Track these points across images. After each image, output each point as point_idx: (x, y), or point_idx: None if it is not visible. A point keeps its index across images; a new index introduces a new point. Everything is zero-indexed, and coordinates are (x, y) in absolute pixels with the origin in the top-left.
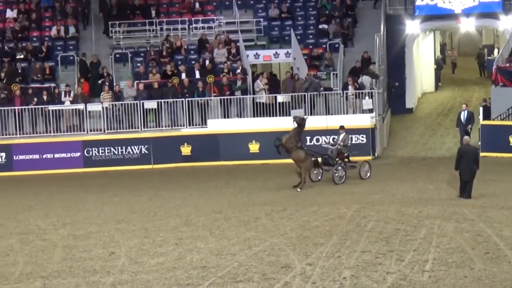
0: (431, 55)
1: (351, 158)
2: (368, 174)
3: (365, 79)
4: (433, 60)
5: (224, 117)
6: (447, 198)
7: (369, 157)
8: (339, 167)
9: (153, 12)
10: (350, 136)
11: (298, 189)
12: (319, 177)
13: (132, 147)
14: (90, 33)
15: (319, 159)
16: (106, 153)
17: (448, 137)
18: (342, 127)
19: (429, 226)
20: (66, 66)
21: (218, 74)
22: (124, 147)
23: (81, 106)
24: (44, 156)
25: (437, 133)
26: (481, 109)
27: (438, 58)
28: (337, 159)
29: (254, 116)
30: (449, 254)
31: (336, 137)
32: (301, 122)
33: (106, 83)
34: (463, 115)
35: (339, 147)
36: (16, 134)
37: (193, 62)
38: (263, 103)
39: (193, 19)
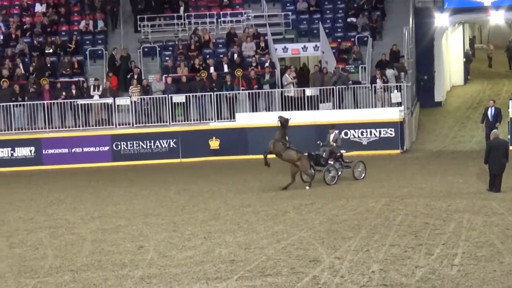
0: (460, 48)
1: (359, 155)
2: (363, 175)
3: (389, 73)
4: (462, 53)
5: (253, 111)
6: (476, 191)
7: (398, 151)
8: (331, 168)
9: (182, 6)
10: (341, 135)
11: (307, 187)
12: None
13: (161, 141)
14: (118, 27)
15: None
16: (135, 147)
17: (477, 130)
18: (332, 127)
19: (458, 220)
20: (95, 60)
21: (247, 68)
22: (152, 141)
23: (109, 100)
24: (73, 150)
25: (466, 126)
26: (510, 102)
27: (467, 51)
28: (329, 159)
29: (282, 110)
30: (478, 248)
31: (320, 142)
32: (285, 122)
33: (134, 77)
34: (490, 112)
35: (331, 147)
36: (45, 128)
37: (221, 55)
38: (291, 96)
39: (221, 12)
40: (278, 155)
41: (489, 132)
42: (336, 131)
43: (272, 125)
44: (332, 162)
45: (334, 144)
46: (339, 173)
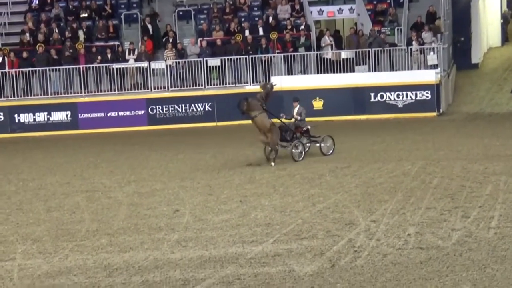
0: (497, 9)
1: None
2: (331, 151)
3: (426, 35)
4: (500, 14)
5: (288, 74)
6: None
7: (434, 113)
8: (298, 143)
9: None
10: (304, 109)
11: (272, 163)
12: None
13: (196, 104)
14: None
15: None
16: (170, 111)
17: None
18: (295, 99)
19: (495, 182)
20: (130, 24)
21: (282, 31)
22: (187, 105)
23: (145, 64)
24: (108, 114)
25: (504, 88)
26: None
27: (505, 12)
28: (295, 134)
29: (317, 73)
30: None
31: (283, 114)
32: (271, 88)
33: (169, 41)
34: None
35: (296, 121)
36: (81, 93)
37: (256, 18)
38: (328, 59)
39: None
40: (250, 116)
41: None
42: (299, 105)
43: (308, 88)
44: (298, 137)
45: (298, 118)
46: (306, 148)
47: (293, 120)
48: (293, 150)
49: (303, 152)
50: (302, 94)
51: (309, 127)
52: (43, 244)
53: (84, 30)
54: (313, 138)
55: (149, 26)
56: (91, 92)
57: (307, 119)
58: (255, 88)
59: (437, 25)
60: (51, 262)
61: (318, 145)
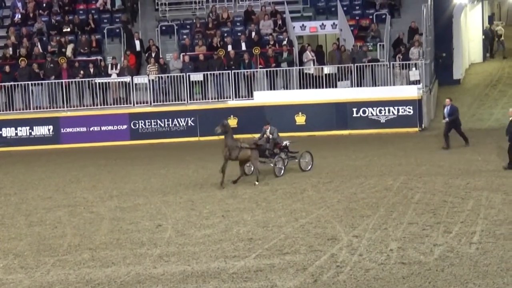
0: (479, 26)
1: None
2: (310, 166)
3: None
4: (481, 30)
5: (270, 89)
6: (494, 169)
7: (416, 129)
8: (278, 159)
9: None
10: (276, 129)
11: (256, 183)
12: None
13: (179, 119)
14: (136, 5)
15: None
16: (153, 126)
17: (496, 108)
18: (266, 122)
19: (476, 197)
20: (113, 39)
21: (264, 46)
22: (170, 120)
23: (127, 79)
24: (91, 129)
25: (485, 104)
26: None
27: (487, 28)
28: (274, 150)
29: (300, 88)
30: (497, 226)
31: (256, 138)
32: (226, 129)
33: (152, 56)
34: None
35: (271, 140)
36: (63, 107)
37: (239, 34)
38: (309, 74)
39: None
40: (235, 159)
41: None
42: (271, 127)
43: (290, 103)
44: (278, 153)
45: (271, 136)
46: (285, 163)
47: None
48: (275, 166)
49: (283, 168)
50: (284, 109)
51: (288, 143)
52: (24, 259)
53: (66, 44)
54: (291, 154)
55: (137, 42)
56: (74, 106)
57: (286, 134)
58: (237, 103)
59: (415, 41)
60: (33, 277)
61: (296, 160)
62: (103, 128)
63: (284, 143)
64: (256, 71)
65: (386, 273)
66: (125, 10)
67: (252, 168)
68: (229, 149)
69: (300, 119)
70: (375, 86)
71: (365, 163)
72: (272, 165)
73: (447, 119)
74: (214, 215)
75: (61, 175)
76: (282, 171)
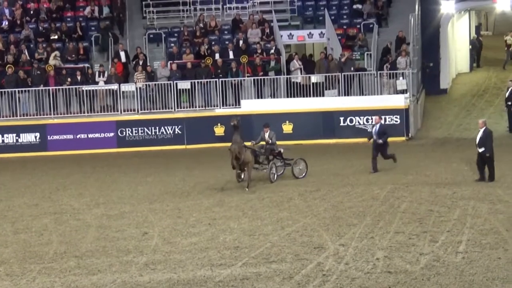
0: (466, 36)
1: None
2: (304, 174)
3: (401, 61)
4: (468, 40)
5: (258, 98)
6: (481, 179)
7: (403, 138)
8: (273, 165)
9: None
10: (274, 133)
11: (247, 189)
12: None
13: (166, 127)
14: (124, 13)
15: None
16: (140, 134)
17: (483, 118)
18: (266, 125)
19: (463, 207)
20: (100, 46)
21: (252, 54)
22: (157, 128)
23: (114, 87)
24: (78, 136)
25: (472, 114)
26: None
27: (473, 38)
28: (269, 157)
29: (287, 97)
30: (483, 235)
31: (252, 141)
32: (238, 125)
33: (139, 63)
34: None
35: (267, 145)
36: (51, 114)
37: (226, 42)
38: (297, 83)
39: None
40: (237, 160)
41: None
42: (270, 130)
43: (277, 112)
44: (272, 160)
45: (270, 141)
46: (282, 171)
47: (263, 143)
48: (270, 173)
49: (276, 174)
50: (271, 117)
51: (282, 150)
52: (10, 266)
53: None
54: (286, 161)
55: (122, 54)
56: (61, 114)
57: (278, 142)
58: (224, 111)
59: (402, 50)
60: (18, 285)
61: (290, 167)
62: (90, 135)
63: (278, 150)
64: (244, 80)
65: (372, 282)
66: (104, 19)
67: (244, 174)
68: (238, 146)
69: (287, 127)
70: (362, 95)
71: (352, 172)
72: (265, 171)
73: (374, 138)
74: (200, 223)
75: (48, 183)
76: (275, 177)
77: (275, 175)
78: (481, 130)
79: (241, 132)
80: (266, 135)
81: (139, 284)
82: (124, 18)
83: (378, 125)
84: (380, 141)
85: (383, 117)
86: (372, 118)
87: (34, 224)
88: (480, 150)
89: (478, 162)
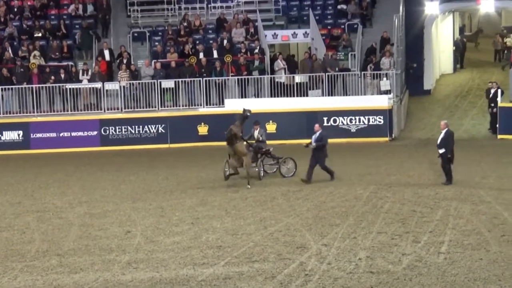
0: (450, 37)
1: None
2: (292, 173)
3: (385, 62)
4: (452, 41)
5: (241, 97)
6: (463, 180)
7: (386, 139)
8: (261, 163)
9: None
10: (264, 131)
11: (248, 186)
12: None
13: (149, 126)
14: (108, 11)
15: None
16: (123, 132)
17: (465, 119)
18: (256, 123)
19: (445, 208)
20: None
21: (236, 54)
22: (141, 126)
23: (98, 85)
24: (61, 135)
25: (455, 115)
26: (499, 91)
27: (457, 39)
28: (258, 155)
29: (271, 96)
30: (465, 236)
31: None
32: (249, 113)
33: (123, 62)
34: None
35: (256, 143)
36: (34, 112)
37: (211, 41)
38: (281, 83)
39: None
40: (232, 143)
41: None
42: (260, 128)
43: (261, 111)
44: (260, 158)
45: (260, 138)
46: (275, 169)
47: (253, 142)
48: (260, 170)
49: (262, 172)
50: (255, 117)
51: (271, 149)
52: None
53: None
54: (275, 159)
55: (106, 52)
56: (44, 112)
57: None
58: (208, 110)
59: (386, 51)
60: (0, 283)
61: (277, 166)
62: (74, 134)
63: (266, 148)
64: (228, 79)
65: (354, 282)
66: (88, 17)
67: (230, 170)
68: (236, 129)
69: (271, 127)
70: (346, 95)
71: (335, 172)
72: (256, 169)
73: (314, 144)
74: (183, 222)
75: (31, 181)
76: (262, 174)
77: (262, 172)
78: (443, 132)
79: (241, 126)
80: (256, 132)
81: (121, 282)
82: (108, 16)
83: (318, 133)
84: (314, 145)
85: (365, 117)
86: (355, 119)
87: (17, 222)
88: (441, 151)
89: (441, 165)
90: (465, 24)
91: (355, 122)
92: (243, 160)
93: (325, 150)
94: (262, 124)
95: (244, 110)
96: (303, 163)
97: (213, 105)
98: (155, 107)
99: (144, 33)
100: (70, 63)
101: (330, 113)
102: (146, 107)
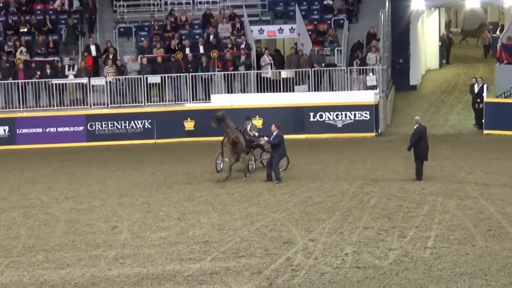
0: (436, 32)
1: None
2: (284, 168)
3: (371, 57)
4: (438, 37)
5: (228, 92)
6: (449, 175)
7: (372, 134)
8: (251, 156)
9: None
10: (256, 126)
11: (245, 178)
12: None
13: (135, 121)
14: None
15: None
16: (109, 128)
17: (451, 114)
18: (247, 118)
19: (431, 203)
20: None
21: (222, 49)
22: (127, 122)
23: (84, 80)
24: (47, 130)
25: (441, 110)
26: (485, 86)
27: (443, 35)
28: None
29: (257, 92)
30: (451, 231)
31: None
32: (221, 117)
33: (109, 57)
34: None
35: (247, 137)
36: (20, 108)
37: (197, 37)
38: (268, 78)
39: None
40: (235, 144)
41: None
42: (252, 123)
43: (247, 107)
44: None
45: (252, 133)
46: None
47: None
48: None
49: (254, 165)
50: (241, 112)
51: (262, 142)
52: None
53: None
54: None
55: (93, 47)
56: (30, 107)
57: None
58: (194, 106)
59: (372, 46)
60: None
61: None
62: (60, 129)
63: (257, 142)
64: (214, 74)
65: (341, 277)
66: (74, 13)
67: (223, 165)
68: (237, 132)
69: (257, 122)
70: (332, 90)
71: (321, 167)
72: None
73: (261, 139)
74: (170, 217)
75: (17, 176)
76: (254, 167)
77: (254, 166)
78: (415, 128)
79: (229, 120)
80: (248, 127)
81: (108, 278)
82: (94, 16)
83: (274, 133)
84: (263, 140)
85: (351, 112)
86: (341, 114)
87: (3, 218)
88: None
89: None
90: (451, 20)
91: (341, 117)
92: (240, 155)
93: (282, 150)
94: None
95: (215, 114)
96: (293, 158)
97: (199, 100)
98: (141, 103)
99: (130, 28)
100: (56, 58)
101: (316, 109)
102: (132, 103)
